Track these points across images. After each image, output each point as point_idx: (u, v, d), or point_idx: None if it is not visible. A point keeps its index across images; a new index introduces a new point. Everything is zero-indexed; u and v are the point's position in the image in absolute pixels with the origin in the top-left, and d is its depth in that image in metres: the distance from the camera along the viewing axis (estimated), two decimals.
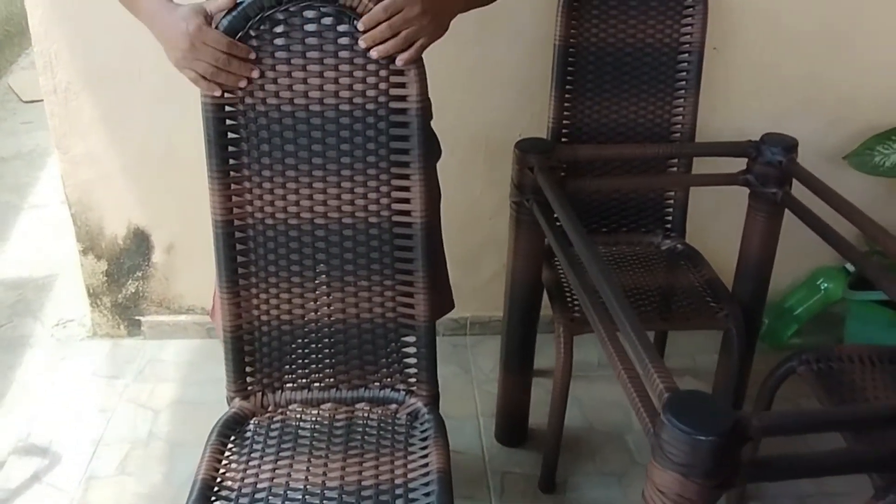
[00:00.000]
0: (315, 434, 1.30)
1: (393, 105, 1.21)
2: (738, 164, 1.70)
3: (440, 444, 1.26)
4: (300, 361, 1.36)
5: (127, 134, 1.98)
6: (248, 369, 1.34)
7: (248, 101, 1.20)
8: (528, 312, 1.73)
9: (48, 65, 1.89)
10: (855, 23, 1.99)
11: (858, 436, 1.24)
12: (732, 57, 1.98)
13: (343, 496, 1.19)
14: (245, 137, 1.22)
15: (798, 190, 1.60)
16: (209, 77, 1.15)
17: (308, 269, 1.30)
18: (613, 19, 1.76)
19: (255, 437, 1.30)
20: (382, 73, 1.19)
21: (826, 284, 2.22)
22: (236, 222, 1.26)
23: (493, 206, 2.07)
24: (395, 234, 1.27)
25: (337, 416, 1.34)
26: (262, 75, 1.18)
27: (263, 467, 1.24)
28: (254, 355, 1.34)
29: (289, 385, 1.36)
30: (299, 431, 1.31)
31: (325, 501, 1.18)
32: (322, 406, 1.36)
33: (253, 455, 1.26)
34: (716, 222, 1.94)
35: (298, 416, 1.34)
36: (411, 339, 1.33)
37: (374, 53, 1.16)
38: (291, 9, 1.16)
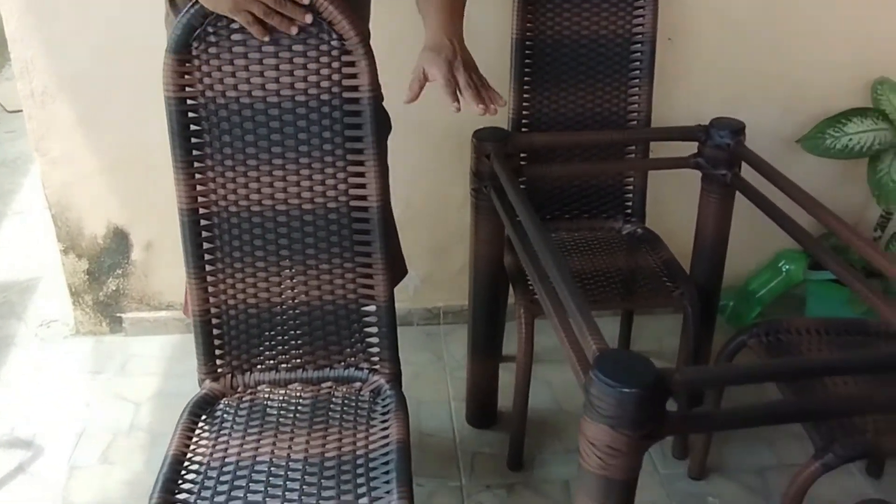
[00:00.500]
0: (282, 412, 1.36)
1: (346, 94, 1.27)
2: (692, 150, 1.76)
3: (400, 416, 1.32)
4: (267, 343, 1.42)
5: (103, 135, 2.04)
6: (217, 352, 1.40)
7: (209, 94, 1.27)
8: (492, 297, 1.80)
9: (25, 70, 1.95)
10: (802, 14, 2.06)
11: (796, 392, 1.30)
12: (686, 47, 2.05)
13: (307, 467, 1.25)
14: (207, 129, 1.29)
15: (751, 174, 1.67)
16: (264, 17, 1.19)
17: (272, 254, 1.36)
18: (567, 13, 1.83)
19: (225, 416, 1.36)
20: (335, 64, 1.26)
21: (787, 266, 2.29)
22: (201, 210, 1.32)
23: (461, 197, 2.13)
24: (353, 217, 1.33)
25: (303, 396, 1.40)
26: (219, 69, 1.25)
27: (232, 443, 1.30)
28: (223, 338, 1.40)
29: (257, 366, 1.42)
30: (267, 410, 1.37)
31: (289, 472, 1.24)
32: (289, 386, 1.42)
33: (222, 432, 1.32)
34: (674, 206, 2.00)
35: (266, 395, 1.40)
36: (373, 318, 1.40)
37: (479, 110, 1.31)
38: None
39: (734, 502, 1.75)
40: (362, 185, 1.31)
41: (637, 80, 1.88)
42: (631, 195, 1.96)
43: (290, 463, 1.26)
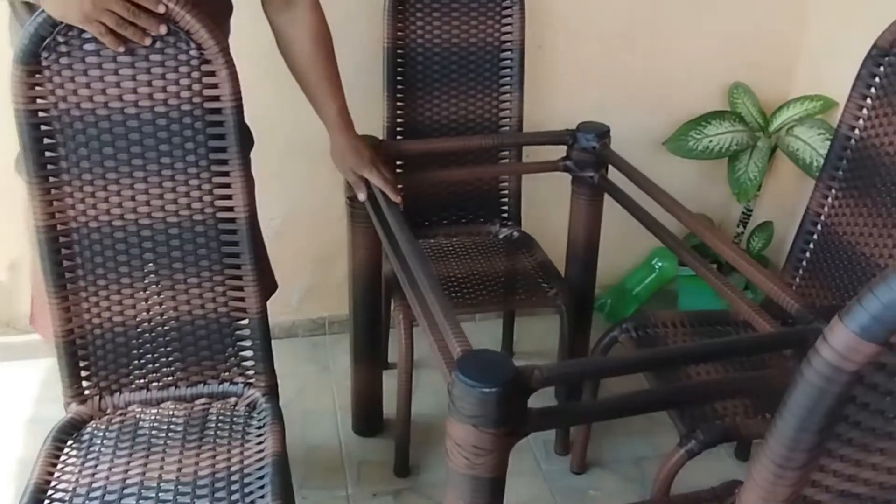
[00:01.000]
0: (154, 432, 1.33)
1: (208, 105, 1.25)
2: (563, 153, 1.82)
3: (276, 429, 1.30)
4: (137, 362, 1.37)
5: None
6: (83, 374, 1.35)
7: (62, 106, 1.22)
8: (373, 305, 1.80)
9: None
10: (664, 23, 2.16)
11: (662, 382, 1.36)
12: (556, 54, 2.12)
13: (179, 487, 1.22)
14: (62, 143, 1.24)
15: (620, 176, 1.73)
16: (116, 28, 1.15)
17: (137, 270, 1.32)
18: (437, 21, 1.86)
19: (93, 440, 1.31)
20: (194, 74, 1.24)
21: (661, 263, 2.39)
22: (59, 227, 1.27)
23: (342, 207, 2.12)
24: (221, 229, 1.31)
25: (176, 414, 1.37)
26: (72, 80, 1.20)
27: (100, 468, 1.25)
28: (88, 359, 1.35)
29: (127, 386, 1.38)
30: (138, 431, 1.33)
31: (160, 493, 1.20)
32: (162, 405, 1.39)
33: (90, 457, 1.27)
34: (549, 209, 2.06)
35: (138, 416, 1.36)
36: (245, 331, 1.38)
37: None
38: None
39: (614, 493, 1.81)
40: (228, 197, 1.29)
41: (508, 87, 1.92)
42: (506, 199, 2.00)
43: (161, 484, 1.22)
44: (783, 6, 2.20)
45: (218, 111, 1.26)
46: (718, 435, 1.36)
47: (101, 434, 1.32)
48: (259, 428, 1.33)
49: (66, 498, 1.20)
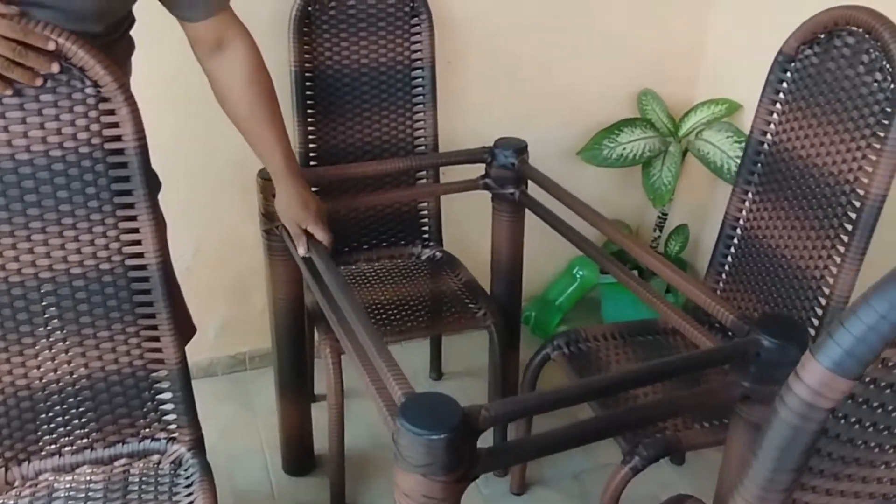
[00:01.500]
0: (70, 502, 1.22)
1: (109, 146, 1.16)
2: (480, 171, 1.79)
3: (205, 486, 1.22)
4: (46, 426, 1.27)
5: None
6: None
7: None
8: (296, 338, 1.73)
9: None
10: (570, 32, 2.16)
11: (604, 408, 1.34)
12: (465, 70, 2.09)
13: None
14: None
15: (538, 189, 1.72)
16: (2, 71, 1.04)
17: (39, 328, 1.22)
18: (345, 41, 1.80)
19: None
20: (92, 113, 1.14)
21: (581, 272, 2.39)
22: None
23: (254, 236, 2.04)
24: (131, 277, 1.22)
25: (94, 479, 1.27)
26: None
27: None
28: None
29: (37, 454, 1.27)
30: (52, 503, 1.22)
31: None
32: (77, 470, 1.28)
33: None
34: (470, 227, 2.03)
35: (51, 486, 1.25)
36: (164, 383, 1.29)
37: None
38: None
39: None
40: (137, 243, 1.20)
41: (421, 105, 1.88)
42: (426, 220, 1.96)
43: None
44: (684, 13, 2.24)
45: (120, 152, 1.17)
46: (661, 449, 1.35)
47: None
48: (187, 486, 1.24)
49: None
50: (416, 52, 1.86)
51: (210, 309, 2.11)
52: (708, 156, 2.07)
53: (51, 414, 1.26)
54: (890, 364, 0.57)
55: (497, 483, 1.84)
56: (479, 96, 2.14)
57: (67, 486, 1.25)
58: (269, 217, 1.57)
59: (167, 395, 1.29)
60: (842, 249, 1.37)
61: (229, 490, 1.80)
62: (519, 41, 2.13)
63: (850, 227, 1.36)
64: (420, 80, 1.87)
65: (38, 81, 1.09)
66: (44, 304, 1.20)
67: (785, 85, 1.52)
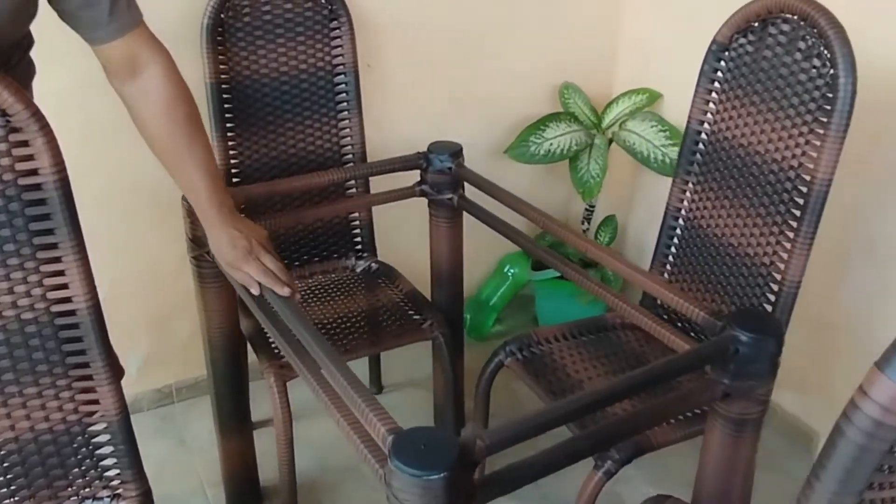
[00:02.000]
0: None
1: (23, 181, 1.04)
2: (414, 177, 1.72)
3: None
4: None
5: None
6: None
7: None
8: (233, 367, 1.62)
9: None
10: (488, 30, 2.12)
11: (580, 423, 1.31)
12: (387, 72, 2.02)
13: None
14: None
15: (471, 190, 1.67)
16: None
17: None
18: (262, 49, 1.70)
19: None
20: (1, 146, 1.02)
21: (512, 270, 2.36)
22: None
23: (175, 261, 1.91)
24: (59, 325, 1.10)
25: None
26: None
27: None
28: None
29: None
30: None
31: None
32: None
33: None
34: (403, 235, 1.96)
35: None
36: (104, 437, 1.17)
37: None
38: None
39: None
40: (64, 286, 1.08)
41: (346, 112, 1.80)
42: (359, 231, 1.89)
43: None
44: (596, 3, 2.23)
45: (38, 187, 1.04)
46: (632, 451, 1.33)
47: None
48: None
49: None
50: (336, 56, 1.77)
51: (131, 342, 1.97)
52: (634, 146, 2.07)
53: None
54: None
55: None
56: (402, 100, 2.07)
57: None
58: (197, 242, 1.46)
59: (108, 449, 1.18)
60: (791, 235, 1.38)
61: None
62: (437, 43, 2.07)
63: (797, 213, 1.36)
64: (343, 85, 1.79)
65: None
66: None
67: (720, 74, 1.51)
